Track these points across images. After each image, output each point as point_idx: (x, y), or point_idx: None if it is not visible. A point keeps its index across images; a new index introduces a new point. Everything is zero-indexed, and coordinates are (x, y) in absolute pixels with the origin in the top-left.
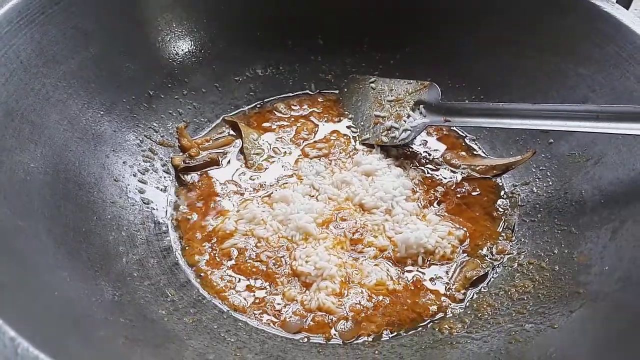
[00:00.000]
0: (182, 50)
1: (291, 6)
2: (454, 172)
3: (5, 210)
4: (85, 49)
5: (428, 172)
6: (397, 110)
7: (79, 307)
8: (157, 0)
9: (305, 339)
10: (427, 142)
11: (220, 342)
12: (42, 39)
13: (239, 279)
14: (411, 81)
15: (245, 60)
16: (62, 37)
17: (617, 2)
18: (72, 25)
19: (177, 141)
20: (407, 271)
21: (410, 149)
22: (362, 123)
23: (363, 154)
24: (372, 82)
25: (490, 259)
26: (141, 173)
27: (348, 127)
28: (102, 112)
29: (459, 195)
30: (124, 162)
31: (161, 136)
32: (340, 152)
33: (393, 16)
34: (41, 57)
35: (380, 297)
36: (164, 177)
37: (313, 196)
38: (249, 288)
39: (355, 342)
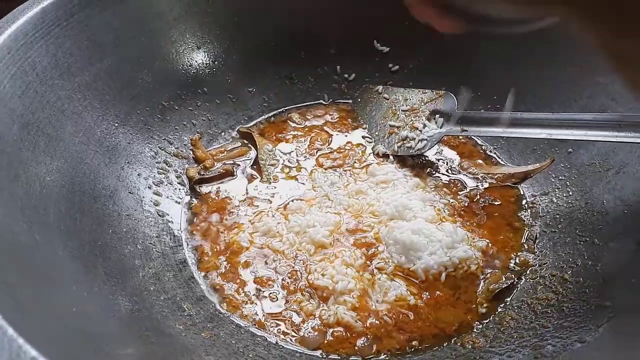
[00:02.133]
0: (196, 61)
1: (304, 17)
2: (472, 180)
3: (22, 224)
4: (100, 60)
5: (446, 181)
6: (412, 120)
7: (97, 324)
8: (170, 12)
9: (325, 355)
10: (442, 150)
11: (239, 357)
12: (58, 52)
13: (256, 293)
14: (426, 90)
15: (259, 71)
16: (77, 49)
17: None
18: (86, 38)
19: (191, 153)
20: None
21: (426, 158)
22: (376, 133)
23: (378, 165)
24: (385, 92)
25: (512, 271)
26: (156, 185)
27: (363, 137)
28: (116, 124)
29: (479, 205)
30: (138, 174)
31: (175, 148)
32: (354, 163)
33: (405, 26)
34: (56, 70)
35: (401, 313)
36: (179, 189)
37: (328, 207)
38: (265, 302)
39: (375, 358)
